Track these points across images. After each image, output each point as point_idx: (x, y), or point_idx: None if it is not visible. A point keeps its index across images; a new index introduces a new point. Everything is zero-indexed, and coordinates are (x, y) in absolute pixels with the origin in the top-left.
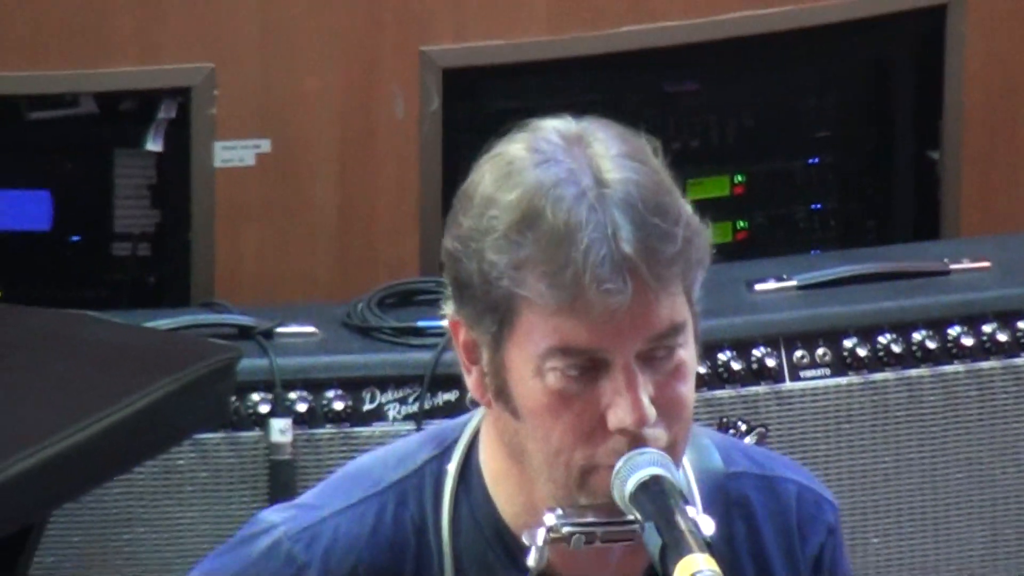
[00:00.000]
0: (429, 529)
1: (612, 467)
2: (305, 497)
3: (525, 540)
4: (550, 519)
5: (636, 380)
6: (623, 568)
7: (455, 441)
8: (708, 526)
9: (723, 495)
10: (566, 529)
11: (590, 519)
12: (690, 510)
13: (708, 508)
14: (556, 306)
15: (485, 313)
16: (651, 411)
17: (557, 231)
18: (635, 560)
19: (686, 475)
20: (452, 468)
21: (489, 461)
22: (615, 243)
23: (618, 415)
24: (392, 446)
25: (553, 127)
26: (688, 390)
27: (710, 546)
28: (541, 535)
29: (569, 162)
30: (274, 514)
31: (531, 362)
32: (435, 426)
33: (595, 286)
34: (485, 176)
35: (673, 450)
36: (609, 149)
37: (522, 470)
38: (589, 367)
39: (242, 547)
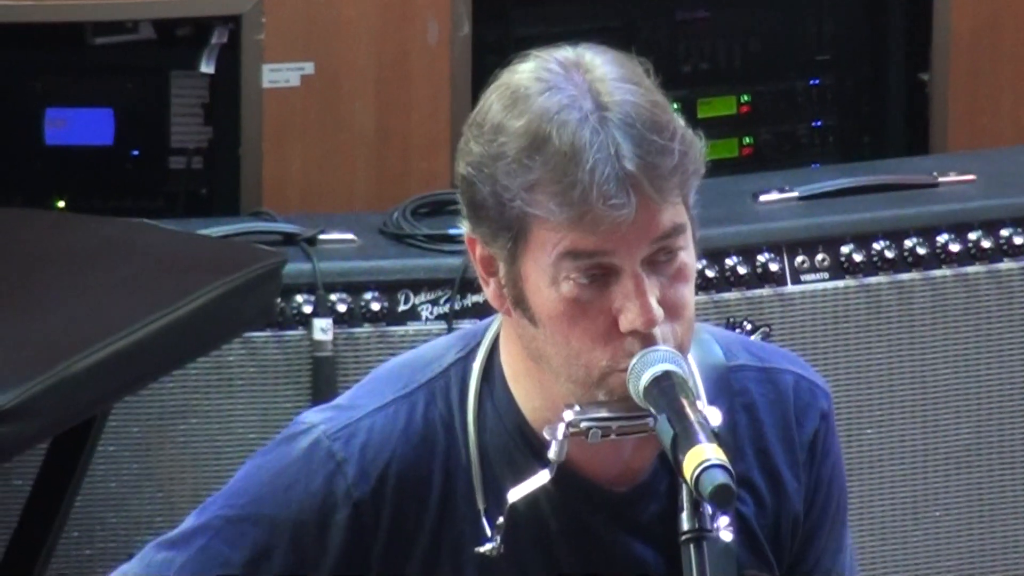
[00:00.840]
0: (456, 426)
1: (628, 369)
2: (342, 399)
3: (545, 434)
4: (568, 415)
5: (643, 284)
6: (634, 461)
7: (478, 344)
8: (715, 417)
9: (726, 387)
10: (583, 423)
11: (606, 414)
12: (698, 403)
13: (712, 400)
14: (567, 221)
15: (500, 231)
16: (659, 311)
17: (563, 153)
18: (645, 453)
19: (691, 369)
20: (475, 368)
21: (509, 362)
22: (618, 161)
23: (629, 317)
24: (419, 350)
25: (552, 56)
26: (689, 291)
27: (718, 437)
28: (561, 429)
29: (570, 88)
30: (313, 415)
31: (546, 272)
32: (459, 331)
33: (602, 201)
34: (493, 105)
35: (680, 348)
36: (607, 73)
37: (541, 371)
38: (599, 275)
39: (285, 446)
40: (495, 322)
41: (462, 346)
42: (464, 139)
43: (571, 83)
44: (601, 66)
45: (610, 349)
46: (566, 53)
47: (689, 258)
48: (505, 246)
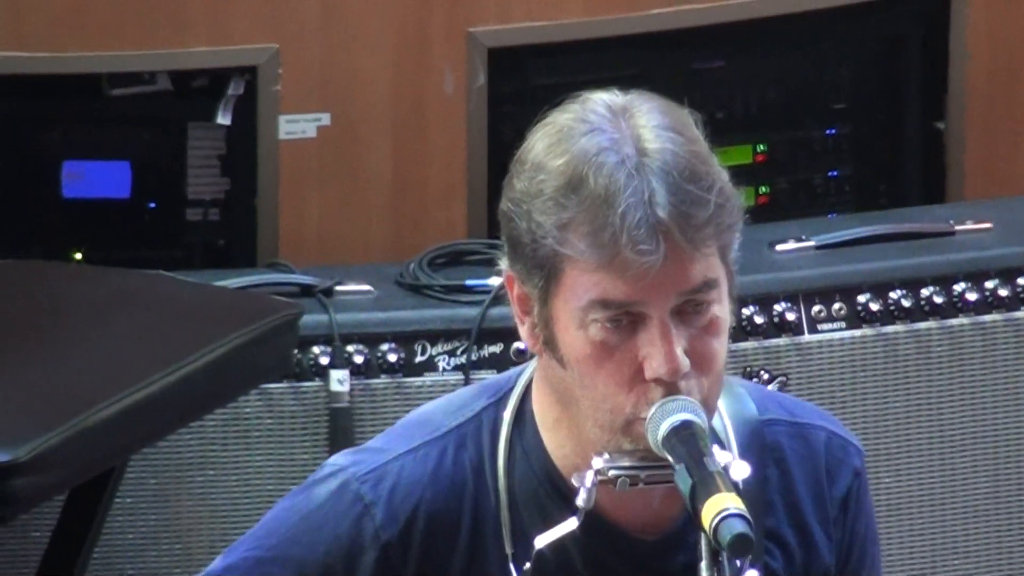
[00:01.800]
0: (486, 470)
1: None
2: (371, 443)
3: (575, 482)
4: (598, 462)
5: (670, 333)
6: (663, 510)
7: (510, 390)
8: (743, 470)
9: (758, 441)
10: (612, 472)
11: (635, 463)
12: (724, 454)
13: (744, 453)
14: (596, 264)
15: (534, 269)
16: (684, 361)
17: (598, 195)
18: (674, 502)
19: (723, 422)
20: (507, 414)
21: (541, 408)
22: (651, 208)
23: (653, 365)
24: (450, 396)
25: (601, 99)
26: (720, 344)
27: (738, 487)
28: (590, 477)
29: (613, 132)
30: (342, 458)
31: (575, 315)
32: (491, 378)
33: (631, 247)
34: (537, 143)
35: (706, 402)
36: (650, 121)
37: (571, 416)
38: (627, 321)
39: (313, 488)
40: (528, 369)
41: (494, 392)
42: (508, 175)
43: (615, 127)
44: (647, 113)
45: (634, 396)
46: (615, 97)
47: (722, 312)
48: (538, 284)
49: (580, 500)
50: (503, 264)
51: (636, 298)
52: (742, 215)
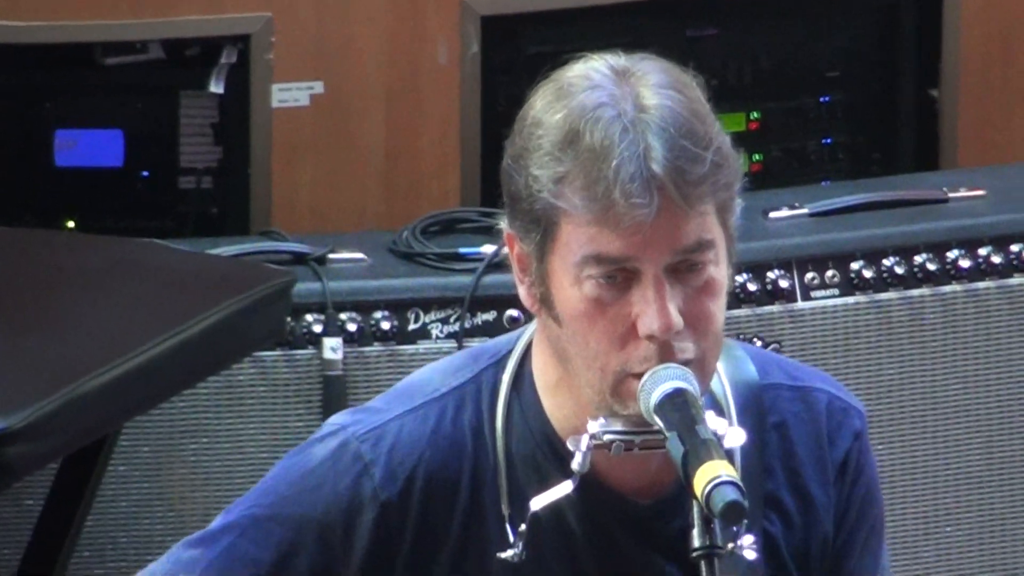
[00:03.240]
0: (485, 431)
1: (643, 374)
2: (371, 403)
3: (570, 445)
4: (593, 427)
5: (664, 290)
6: (660, 474)
7: (510, 352)
8: (739, 437)
9: (757, 405)
10: (607, 436)
11: (630, 427)
12: (719, 421)
13: (742, 417)
14: (590, 217)
15: (531, 224)
16: (677, 319)
17: (593, 149)
18: (670, 469)
19: (723, 386)
20: (506, 376)
21: (540, 370)
22: (645, 162)
23: (646, 322)
24: (450, 358)
25: (604, 59)
26: (717, 307)
27: (730, 454)
28: (584, 441)
29: (613, 89)
30: (342, 417)
31: (570, 271)
32: (491, 341)
33: (624, 199)
34: (538, 100)
35: (702, 364)
36: (651, 79)
37: (570, 378)
38: (621, 277)
39: (313, 447)
40: (528, 331)
41: (493, 354)
42: (511, 133)
43: (615, 85)
44: (648, 72)
45: (625, 353)
46: (618, 58)
47: (718, 274)
48: (535, 240)
49: (575, 464)
50: (503, 223)
51: (630, 253)
52: (741, 178)
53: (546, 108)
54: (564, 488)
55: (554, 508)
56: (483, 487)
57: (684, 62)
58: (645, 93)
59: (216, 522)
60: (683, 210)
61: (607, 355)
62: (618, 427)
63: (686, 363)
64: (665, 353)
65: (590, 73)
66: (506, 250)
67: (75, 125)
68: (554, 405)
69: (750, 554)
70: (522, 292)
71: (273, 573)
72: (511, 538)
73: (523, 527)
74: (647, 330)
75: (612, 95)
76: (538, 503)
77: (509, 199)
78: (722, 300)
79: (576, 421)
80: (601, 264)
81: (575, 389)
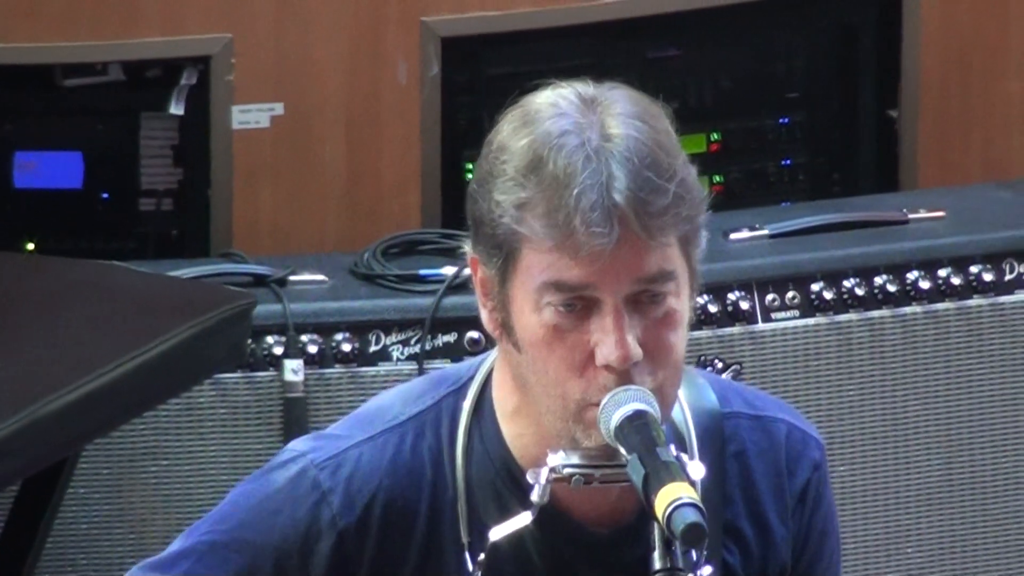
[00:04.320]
0: (444, 460)
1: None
2: (330, 429)
3: (529, 478)
4: (553, 459)
5: (622, 320)
6: (620, 503)
7: (471, 379)
8: (698, 471)
9: (718, 434)
10: (567, 470)
11: (589, 461)
12: (681, 455)
13: (703, 446)
14: (551, 244)
15: (493, 249)
16: (636, 350)
17: (556, 177)
18: (632, 496)
19: (683, 414)
20: (467, 403)
21: (501, 398)
22: (607, 191)
23: (604, 352)
24: (411, 384)
25: (573, 87)
26: (677, 338)
27: (690, 477)
28: (544, 474)
29: (579, 117)
30: (301, 444)
31: (530, 297)
32: (452, 367)
33: (584, 228)
34: (505, 125)
35: (661, 394)
36: (618, 109)
37: (530, 404)
38: (581, 305)
39: (271, 474)
40: (489, 358)
41: (454, 381)
42: (478, 157)
43: (581, 113)
44: (616, 102)
45: (584, 381)
46: (587, 86)
47: (679, 305)
48: (496, 265)
49: (534, 496)
50: (468, 247)
51: (589, 281)
52: (705, 211)
53: (512, 134)
54: (523, 519)
55: (513, 538)
56: (442, 515)
57: (644, 83)
58: (611, 122)
59: (173, 546)
60: (644, 241)
61: (566, 383)
62: (577, 460)
63: None
64: (623, 382)
65: (558, 100)
66: (468, 272)
67: (34, 147)
68: (514, 433)
69: None
70: (484, 316)
71: None
72: (470, 567)
73: (482, 556)
74: (605, 360)
75: (578, 123)
76: (497, 533)
77: (473, 223)
78: (683, 331)
79: (536, 450)
80: (560, 291)
81: (535, 417)
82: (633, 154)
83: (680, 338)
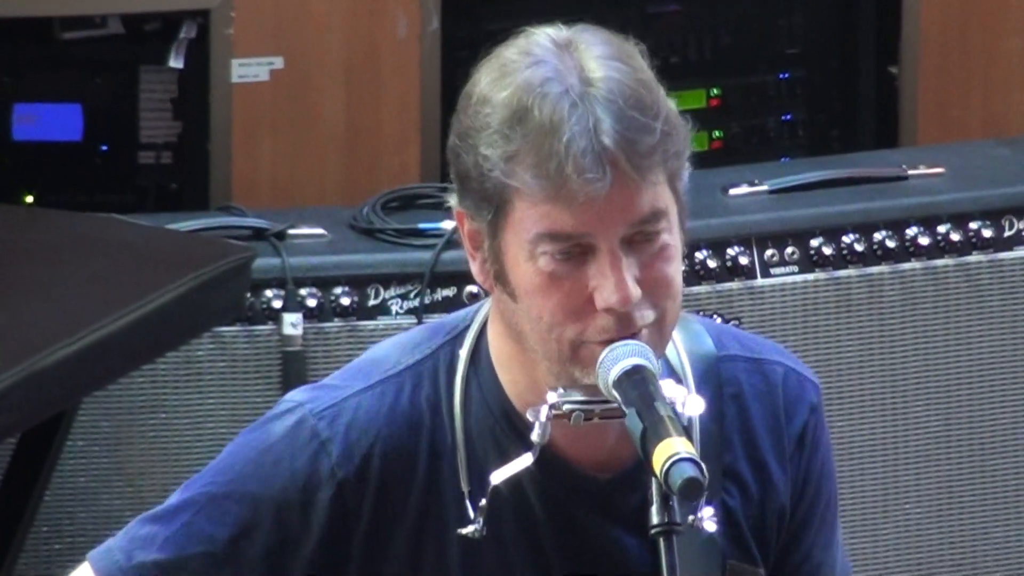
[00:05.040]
0: (442, 407)
1: (601, 343)
2: (328, 379)
3: (529, 416)
4: (552, 397)
5: (620, 262)
6: (618, 449)
7: (467, 328)
8: (698, 405)
9: (715, 377)
10: (567, 406)
11: (589, 397)
12: (677, 390)
13: (700, 389)
14: (543, 194)
15: (482, 203)
16: (635, 291)
17: (543, 126)
18: (628, 442)
19: (679, 356)
20: (463, 352)
21: (496, 345)
22: (596, 136)
23: (603, 295)
24: (408, 334)
25: (545, 33)
26: (674, 270)
27: (688, 430)
28: (544, 412)
29: (557, 63)
30: (299, 394)
31: (523, 247)
32: (448, 316)
33: (576, 175)
34: (483, 77)
35: (660, 327)
36: (595, 51)
37: (524, 352)
38: (577, 252)
39: (270, 424)
40: (484, 307)
41: (450, 330)
42: (456, 111)
43: (559, 59)
44: (591, 44)
45: (582, 324)
46: (559, 31)
47: (672, 240)
48: (486, 218)
49: (535, 435)
50: (452, 201)
51: (584, 229)
52: (690, 144)
53: (491, 86)
54: (524, 461)
55: (513, 484)
56: (441, 464)
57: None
58: (590, 65)
59: (173, 499)
60: (636, 182)
61: (562, 327)
62: (577, 396)
63: (646, 328)
64: (624, 323)
65: (532, 48)
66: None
67: (33, 99)
68: (510, 380)
69: (710, 526)
70: (475, 268)
71: (229, 550)
72: (471, 514)
73: (484, 502)
74: (605, 303)
75: (557, 70)
76: (498, 477)
77: (458, 178)
78: (678, 263)
79: (531, 396)
80: (556, 241)
81: (529, 364)
82: (617, 96)
83: (676, 270)
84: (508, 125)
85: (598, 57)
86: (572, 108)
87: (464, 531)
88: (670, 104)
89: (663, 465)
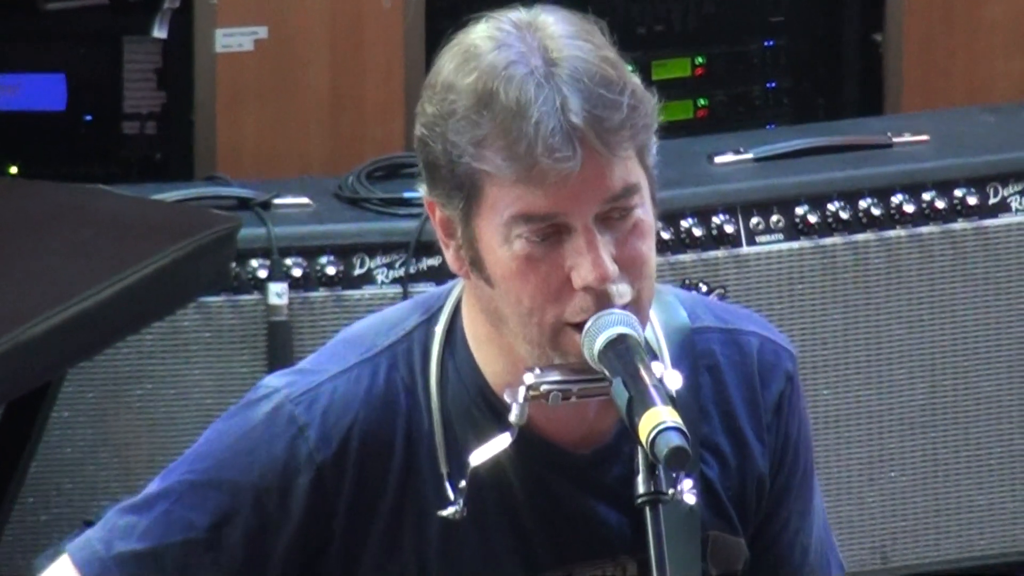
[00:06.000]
0: (419, 389)
1: (580, 324)
2: (304, 363)
3: (507, 398)
4: (529, 378)
5: (596, 240)
6: (597, 423)
7: (441, 308)
8: (676, 380)
9: (690, 349)
10: (544, 387)
11: (566, 376)
12: (657, 366)
13: (676, 362)
14: (514, 177)
15: (453, 190)
16: (612, 267)
17: (510, 109)
18: (608, 416)
19: (654, 331)
20: (438, 332)
21: (471, 326)
22: (564, 115)
23: (581, 274)
24: (382, 314)
25: (507, 16)
26: (648, 247)
27: (674, 400)
28: (521, 392)
29: (520, 46)
30: (276, 379)
31: (498, 232)
32: (422, 295)
33: (547, 155)
34: (446, 64)
35: (638, 305)
36: (557, 31)
37: (501, 334)
38: (551, 232)
39: (247, 411)
40: (458, 286)
41: (424, 310)
42: (420, 100)
43: (522, 41)
44: (553, 24)
45: (560, 305)
46: (519, 14)
47: (646, 215)
48: (459, 206)
49: (513, 416)
50: (422, 190)
51: (558, 208)
52: (657, 117)
53: (455, 72)
54: (503, 441)
55: (492, 464)
56: (418, 446)
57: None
58: (552, 45)
59: (151, 487)
60: (606, 158)
61: (542, 310)
62: (555, 376)
63: (624, 307)
64: (602, 301)
65: (494, 32)
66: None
67: (17, 69)
68: (486, 360)
69: (690, 498)
70: (448, 256)
71: (209, 537)
72: (450, 496)
73: (463, 483)
74: (583, 282)
75: (520, 52)
76: (477, 458)
77: (427, 167)
78: (652, 240)
79: (509, 377)
80: (530, 222)
81: (506, 345)
82: (582, 74)
83: (650, 247)
84: (475, 110)
85: (560, 36)
86: (538, 89)
87: (444, 513)
88: (635, 78)
89: (649, 434)
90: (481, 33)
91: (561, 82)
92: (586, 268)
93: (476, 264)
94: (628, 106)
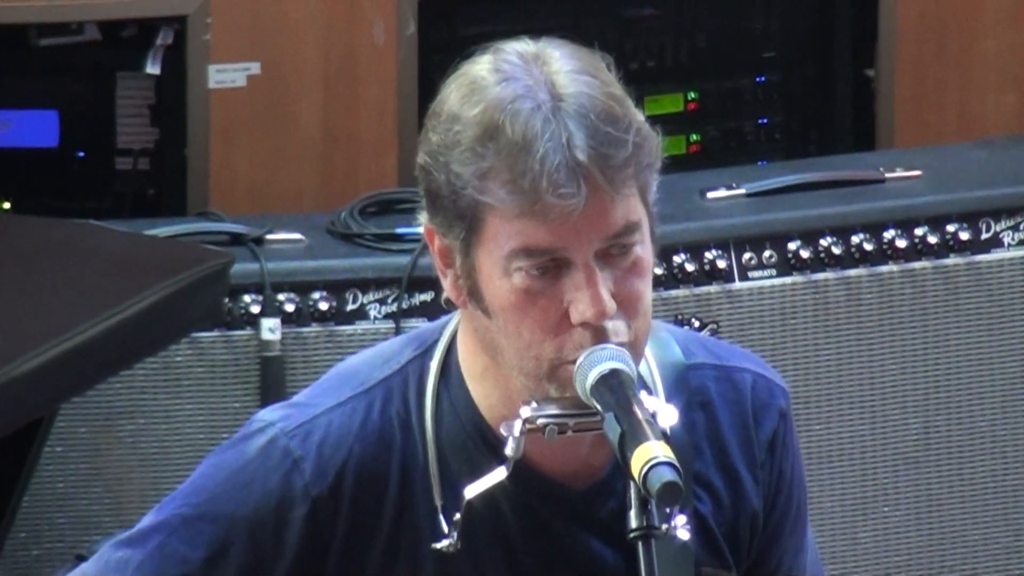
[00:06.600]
0: (413, 423)
1: (576, 361)
2: (298, 397)
3: (503, 431)
4: (525, 411)
5: (595, 276)
6: (592, 458)
7: (436, 341)
8: (671, 416)
9: (684, 385)
10: (540, 420)
11: (563, 410)
12: (651, 401)
13: (670, 398)
14: (517, 211)
15: (455, 220)
16: (611, 304)
17: (515, 143)
18: (603, 450)
19: (649, 367)
20: (433, 366)
21: (466, 359)
22: (569, 151)
23: (579, 309)
24: (377, 348)
25: (513, 48)
26: (645, 285)
27: (667, 435)
28: (517, 426)
29: (527, 79)
30: (270, 413)
31: (498, 264)
32: (416, 329)
33: (552, 191)
34: (451, 95)
35: (635, 344)
36: (564, 66)
37: (497, 366)
38: (551, 267)
39: (242, 444)
40: (453, 320)
41: (419, 344)
42: (424, 129)
43: (528, 74)
44: (559, 59)
45: (559, 341)
46: (526, 46)
47: (645, 253)
48: (459, 236)
49: (508, 450)
50: (422, 218)
51: (559, 244)
52: (660, 155)
53: (461, 103)
54: (498, 475)
55: (487, 497)
56: (413, 479)
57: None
58: (560, 81)
59: (145, 521)
60: (610, 195)
61: (540, 345)
62: (551, 410)
63: (619, 345)
64: (599, 338)
65: (500, 64)
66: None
67: (10, 106)
68: (482, 394)
69: (684, 534)
70: (446, 285)
71: (204, 571)
72: (445, 529)
73: (458, 516)
74: (581, 317)
75: (527, 86)
76: (472, 491)
77: (428, 196)
78: (649, 278)
79: (504, 410)
80: (531, 256)
81: (502, 378)
82: (588, 110)
83: (647, 285)
84: (480, 142)
85: (567, 72)
86: (545, 124)
87: (439, 545)
88: (640, 116)
89: (642, 469)
90: (487, 65)
91: (567, 117)
92: (584, 303)
93: (474, 294)
94: (633, 144)
